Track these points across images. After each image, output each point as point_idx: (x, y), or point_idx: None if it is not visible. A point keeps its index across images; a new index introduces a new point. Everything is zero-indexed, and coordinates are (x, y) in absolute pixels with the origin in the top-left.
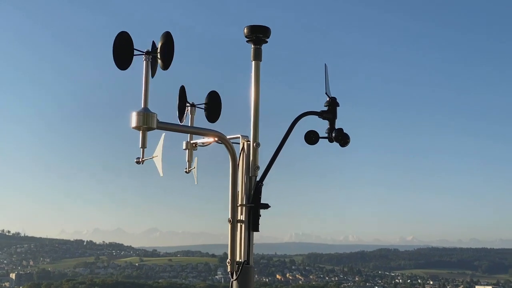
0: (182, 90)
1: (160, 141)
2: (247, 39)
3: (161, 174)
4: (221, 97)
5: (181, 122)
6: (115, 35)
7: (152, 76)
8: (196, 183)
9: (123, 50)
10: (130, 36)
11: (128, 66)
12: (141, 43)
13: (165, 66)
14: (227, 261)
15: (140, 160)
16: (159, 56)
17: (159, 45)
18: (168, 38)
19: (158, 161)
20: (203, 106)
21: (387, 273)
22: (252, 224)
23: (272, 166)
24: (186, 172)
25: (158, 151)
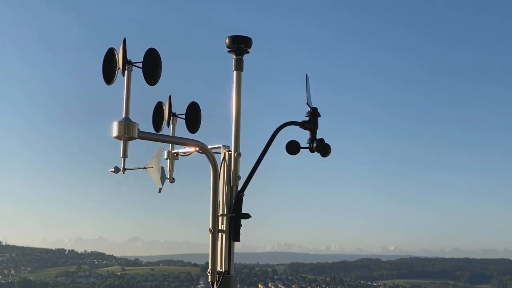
0: (169, 100)
1: (158, 152)
2: (229, 50)
3: (161, 185)
4: (201, 108)
5: (157, 132)
6: (96, 46)
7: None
8: (159, 192)
9: (111, 66)
10: (117, 53)
11: (114, 81)
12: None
13: (152, 83)
14: (208, 270)
15: (122, 169)
16: (145, 73)
17: (144, 60)
18: (154, 55)
19: (153, 172)
20: (183, 116)
21: (369, 283)
22: (233, 234)
23: (254, 176)
24: (169, 181)
25: (154, 163)
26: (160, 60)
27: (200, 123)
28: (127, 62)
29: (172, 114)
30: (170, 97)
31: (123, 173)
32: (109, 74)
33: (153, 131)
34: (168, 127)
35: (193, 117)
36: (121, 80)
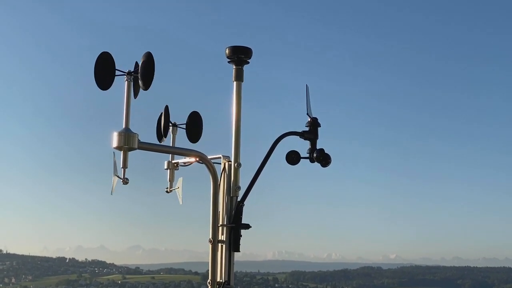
0: (166, 110)
1: (114, 159)
2: (229, 60)
3: (112, 192)
4: (202, 118)
5: (160, 142)
6: (98, 53)
7: (135, 97)
8: (181, 203)
9: (104, 70)
10: (111, 57)
11: (109, 87)
12: (124, 62)
13: (145, 87)
14: (208, 281)
15: (122, 180)
16: (139, 77)
17: (139, 66)
18: (148, 58)
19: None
20: (184, 126)
21: None
22: (233, 244)
23: (254, 187)
24: (166, 191)
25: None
26: (154, 64)
27: (201, 133)
28: (170, 124)
29: (171, 124)
30: (166, 107)
31: (123, 184)
32: (103, 80)
33: (155, 141)
34: (165, 137)
35: (194, 126)
36: (117, 85)
